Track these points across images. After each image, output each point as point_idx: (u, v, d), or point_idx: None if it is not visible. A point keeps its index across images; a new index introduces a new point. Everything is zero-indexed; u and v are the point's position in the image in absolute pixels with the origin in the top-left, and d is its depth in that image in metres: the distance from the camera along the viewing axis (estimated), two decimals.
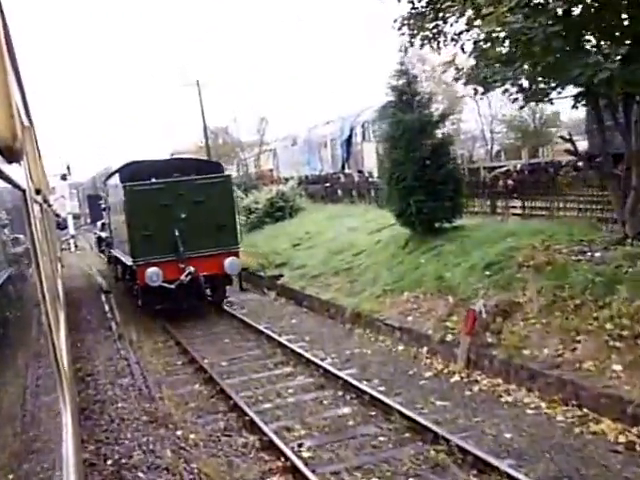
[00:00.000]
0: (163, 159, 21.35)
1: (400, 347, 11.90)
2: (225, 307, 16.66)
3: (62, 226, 38.56)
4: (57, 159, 38.36)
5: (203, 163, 19.01)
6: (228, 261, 15.46)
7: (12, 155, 1.75)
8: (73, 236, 41.63)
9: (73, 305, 18.34)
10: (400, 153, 14.98)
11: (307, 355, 11.58)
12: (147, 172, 15.75)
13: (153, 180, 15.43)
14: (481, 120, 41.71)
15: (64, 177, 39.72)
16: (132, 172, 16.08)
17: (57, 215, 35.64)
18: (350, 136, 30.32)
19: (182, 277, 14.91)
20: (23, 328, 2.28)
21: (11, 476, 1.43)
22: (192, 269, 14.96)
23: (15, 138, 1.59)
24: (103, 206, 22.69)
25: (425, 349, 11.26)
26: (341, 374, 10.21)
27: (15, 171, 2.06)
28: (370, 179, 26.34)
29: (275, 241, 22.55)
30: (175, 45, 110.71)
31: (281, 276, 18.70)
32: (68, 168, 39.52)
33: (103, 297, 20.57)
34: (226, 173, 17.96)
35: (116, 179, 17.07)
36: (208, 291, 15.99)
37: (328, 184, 30.39)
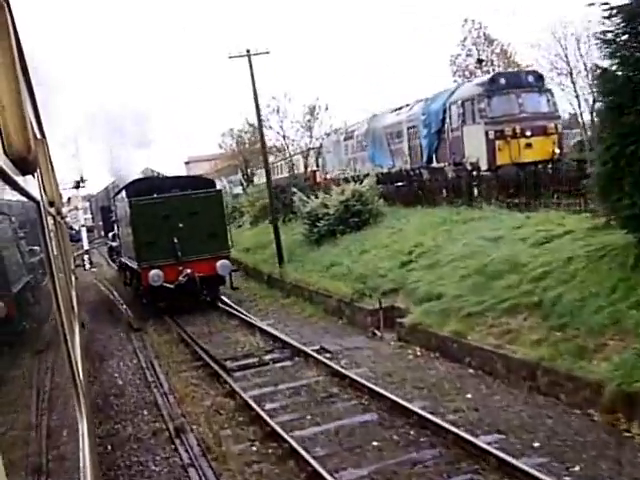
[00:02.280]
0: (163, 177, 26.09)
1: None
2: (326, 360, 11.86)
3: (75, 238, 38.59)
4: (70, 170, 35.61)
5: (198, 180, 21.63)
6: (220, 263, 17.74)
7: (26, 167, 1.77)
8: (87, 251, 37.03)
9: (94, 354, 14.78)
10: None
11: None
12: (150, 188, 18.64)
13: (155, 195, 17.98)
14: None
15: (77, 185, 36.48)
16: (137, 188, 18.82)
17: (70, 228, 36.16)
18: (443, 119, 22.36)
19: (180, 278, 17.21)
20: (39, 338, 2.29)
21: None
22: (189, 271, 17.23)
23: (29, 150, 1.60)
24: (113, 219, 25.49)
25: None
26: None
27: (29, 183, 2.08)
28: (475, 172, 20.25)
29: (367, 258, 17.22)
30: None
31: (396, 309, 13.79)
32: (82, 178, 36.33)
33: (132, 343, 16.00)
34: (217, 188, 21.04)
35: (123, 194, 19.66)
36: (205, 292, 18.17)
37: (405, 182, 24.08)
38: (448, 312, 11.89)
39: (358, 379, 10.27)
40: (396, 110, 27.18)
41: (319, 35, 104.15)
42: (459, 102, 21.64)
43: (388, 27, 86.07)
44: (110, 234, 29.34)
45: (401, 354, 12.00)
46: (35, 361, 2.05)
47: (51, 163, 5.80)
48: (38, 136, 3.01)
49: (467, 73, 39.89)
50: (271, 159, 46.76)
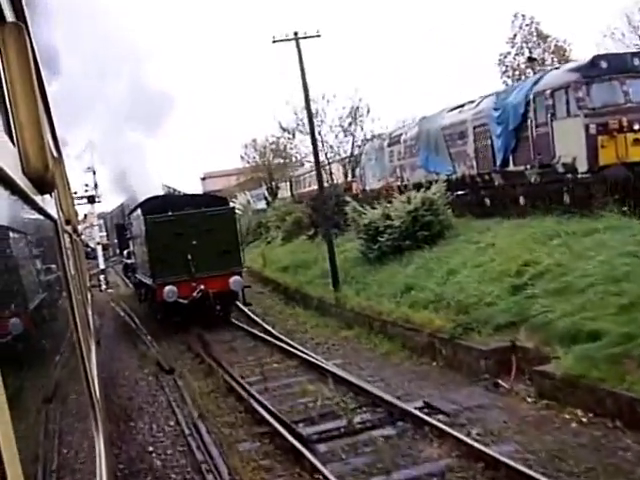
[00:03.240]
0: (177, 194, 27.28)
1: None
2: (448, 428, 8.79)
3: (91, 256, 37.83)
4: (83, 184, 34.39)
5: (211, 198, 22.61)
6: (233, 280, 18.04)
7: (44, 186, 1.78)
8: (103, 270, 34.85)
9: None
10: None
11: None
12: (164, 206, 19.04)
13: (169, 213, 18.45)
14: None
15: (92, 199, 34.62)
16: (152, 206, 19.36)
17: (86, 245, 35.57)
18: (524, 114, 18.64)
19: (194, 294, 17.51)
20: (56, 355, 2.31)
21: None
22: (202, 287, 17.57)
23: (47, 170, 1.62)
24: (128, 236, 26.03)
25: None
26: None
27: (47, 202, 2.13)
28: (569, 175, 16.74)
29: (458, 280, 14.05)
30: None
31: (520, 349, 10.58)
32: (96, 191, 34.45)
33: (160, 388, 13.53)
34: (230, 206, 21.49)
35: (138, 212, 20.30)
36: (218, 307, 18.36)
37: (467, 191, 21.20)
38: (620, 359, 8.41)
39: (520, 468, 6.94)
40: (456, 108, 23.33)
41: (354, 36, 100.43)
42: (547, 92, 17.65)
43: (429, 26, 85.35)
44: (125, 252, 29.80)
45: (554, 420, 8.56)
46: (52, 378, 2.06)
47: (67, 181, 6.02)
48: (55, 155, 3.10)
49: (517, 73, 37.29)
50: (303, 169, 42.96)
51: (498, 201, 18.91)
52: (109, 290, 32.07)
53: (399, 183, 25.29)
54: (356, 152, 34.06)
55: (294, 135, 30.58)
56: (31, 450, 1.43)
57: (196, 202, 19.37)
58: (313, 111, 25.47)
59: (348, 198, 23.65)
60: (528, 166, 18.72)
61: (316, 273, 21.13)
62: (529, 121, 18.62)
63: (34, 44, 1.98)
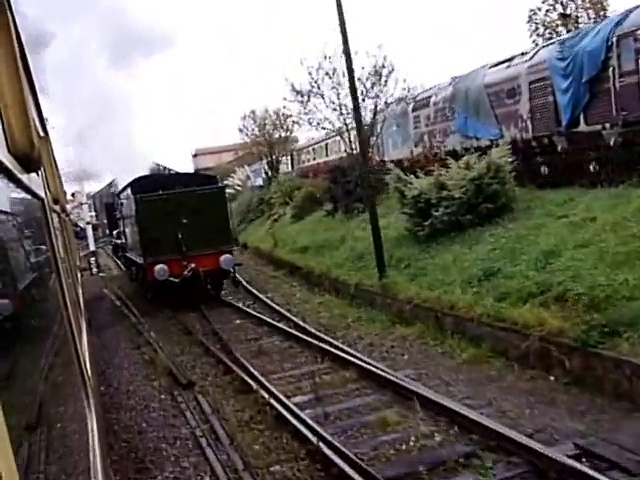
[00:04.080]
0: (167, 174, 27.15)
1: None
2: None
3: (80, 235, 37.32)
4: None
5: (201, 177, 22.57)
6: (223, 258, 17.92)
7: (30, 165, 1.81)
8: (94, 252, 32.23)
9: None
10: None
11: None
12: (154, 185, 18.93)
13: (160, 192, 18.32)
14: None
15: (80, 178, 32.30)
16: (142, 185, 19.22)
17: (75, 225, 34.78)
18: (604, 61, 15.47)
19: (185, 272, 17.45)
20: (47, 335, 2.31)
21: None
22: (193, 265, 17.49)
23: (33, 148, 1.64)
24: (117, 216, 25.93)
25: None
26: None
27: (33, 181, 2.12)
28: None
29: (562, 264, 10.67)
30: None
31: None
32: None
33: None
34: (220, 184, 21.03)
35: (128, 191, 20.26)
36: (209, 286, 18.14)
37: (518, 157, 17.03)
38: None
39: None
40: (501, 63, 20.13)
41: None
42: (638, 32, 14.46)
43: None
44: (115, 232, 29.81)
45: None
46: (42, 358, 2.06)
47: (54, 160, 6.10)
48: (41, 134, 3.12)
49: (548, 32, 33.07)
50: (306, 141, 39.72)
51: (561, 169, 15.94)
52: (101, 274, 29.74)
53: (426, 151, 22.10)
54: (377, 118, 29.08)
55: (309, 98, 25.81)
56: (23, 430, 1.43)
57: (186, 181, 19.55)
58: (330, 70, 24.03)
59: (390, 165, 20.48)
60: (607, 125, 15.32)
61: (345, 255, 18.34)
62: (610, 70, 15.35)
63: (17, 23, 1.98)
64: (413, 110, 24.67)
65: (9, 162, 1.51)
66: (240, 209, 37.13)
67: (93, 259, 30.58)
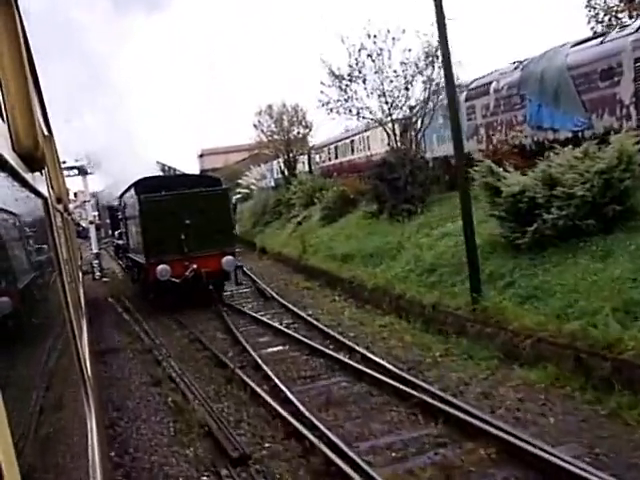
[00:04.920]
0: (171, 175, 27.72)
1: None
2: None
3: (82, 235, 36.86)
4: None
5: (205, 178, 22.54)
6: (225, 259, 17.96)
7: (34, 164, 1.84)
8: (97, 255, 29.56)
9: None
10: None
11: None
12: (158, 185, 19.09)
13: (163, 192, 18.47)
14: None
15: (84, 172, 29.43)
16: (145, 186, 19.26)
17: (77, 224, 33.41)
18: None
19: (187, 273, 17.53)
20: (47, 333, 2.32)
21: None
22: (195, 266, 17.57)
23: (37, 147, 1.66)
24: (120, 217, 25.96)
25: None
26: None
27: (37, 180, 2.15)
28: None
29: None
30: None
31: None
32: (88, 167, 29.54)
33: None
34: (223, 187, 20.80)
35: (132, 192, 20.21)
36: (210, 287, 18.03)
37: None
38: None
39: None
40: (593, 39, 17.10)
41: None
42: None
43: None
44: (116, 232, 29.79)
45: None
46: (42, 356, 2.07)
47: (58, 160, 6.16)
48: (46, 133, 3.14)
49: (608, 18, 28.06)
50: (327, 139, 36.06)
51: None
52: (104, 279, 27.19)
53: (483, 147, 18.94)
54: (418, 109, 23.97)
55: (352, 80, 22.54)
56: (22, 428, 1.41)
57: (190, 182, 19.66)
58: (376, 52, 21.58)
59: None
60: None
61: (409, 266, 14.95)
62: None
63: (24, 23, 1.99)
64: (466, 99, 21.07)
65: (13, 161, 1.52)
66: (255, 210, 36.72)
67: (96, 262, 28.69)
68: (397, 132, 22.29)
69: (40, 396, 1.76)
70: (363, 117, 23.77)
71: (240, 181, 44.70)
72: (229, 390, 10.42)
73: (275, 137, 36.96)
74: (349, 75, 22.86)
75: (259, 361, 11.57)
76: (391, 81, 21.95)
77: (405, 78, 22.12)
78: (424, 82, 21.57)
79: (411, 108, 21.15)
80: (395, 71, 22.82)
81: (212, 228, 17.99)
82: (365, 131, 28.61)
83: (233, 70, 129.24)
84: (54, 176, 3.73)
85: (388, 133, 22.38)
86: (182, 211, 17.81)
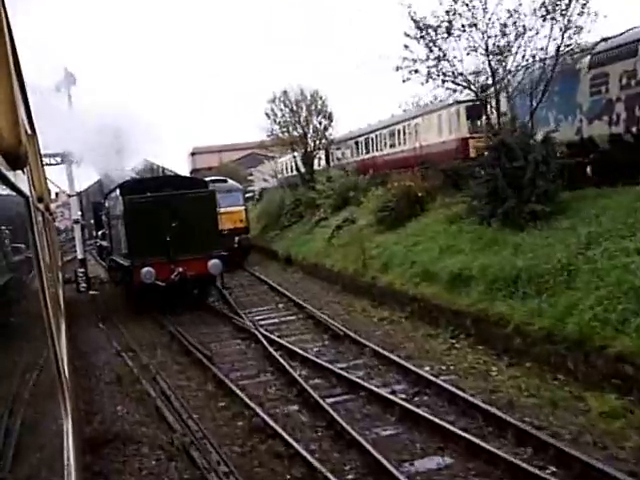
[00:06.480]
0: (156, 177, 26.98)
1: None
2: None
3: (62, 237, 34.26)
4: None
5: (191, 180, 22.53)
6: (211, 263, 17.52)
7: (16, 162, 1.81)
8: (83, 261, 23.77)
9: None
10: None
11: None
12: (143, 187, 18.79)
13: (148, 194, 18.03)
14: None
15: (69, 161, 23.22)
16: (130, 187, 19.08)
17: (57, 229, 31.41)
18: None
19: (172, 276, 17.06)
20: (24, 334, 2.29)
21: None
22: (181, 269, 17.14)
23: (20, 145, 1.65)
24: (105, 218, 25.50)
25: None
26: None
27: (19, 178, 2.12)
28: None
29: None
30: None
31: None
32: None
33: None
34: (210, 189, 20.35)
35: (117, 193, 19.73)
36: (196, 291, 18.03)
37: None
38: None
39: None
40: None
41: None
42: None
43: None
44: (100, 232, 29.08)
45: None
46: (19, 357, 2.04)
47: (41, 159, 6.13)
48: (29, 132, 3.11)
49: None
50: (349, 132, 32.47)
51: None
52: (91, 292, 22.04)
53: (621, 130, 13.99)
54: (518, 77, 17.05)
55: (449, 33, 16.67)
56: None
57: (175, 184, 19.17)
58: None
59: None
60: None
61: (609, 301, 8.82)
62: None
63: (10, 23, 1.98)
64: (590, 67, 15.48)
65: None
66: (269, 211, 32.07)
67: (81, 270, 22.69)
68: (504, 105, 16.64)
69: (15, 396, 1.75)
70: (457, 84, 17.41)
71: (251, 177, 42.98)
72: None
73: (290, 128, 31.77)
74: (437, 27, 16.63)
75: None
76: (496, 36, 16.15)
77: (517, 30, 16.10)
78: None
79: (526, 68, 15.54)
80: (505, 24, 16.52)
81: (198, 231, 17.64)
82: (413, 118, 23.78)
83: (231, 61, 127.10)
84: (36, 175, 3.69)
85: (491, 107, 16.96)
86: (167, 213, 17.39)
